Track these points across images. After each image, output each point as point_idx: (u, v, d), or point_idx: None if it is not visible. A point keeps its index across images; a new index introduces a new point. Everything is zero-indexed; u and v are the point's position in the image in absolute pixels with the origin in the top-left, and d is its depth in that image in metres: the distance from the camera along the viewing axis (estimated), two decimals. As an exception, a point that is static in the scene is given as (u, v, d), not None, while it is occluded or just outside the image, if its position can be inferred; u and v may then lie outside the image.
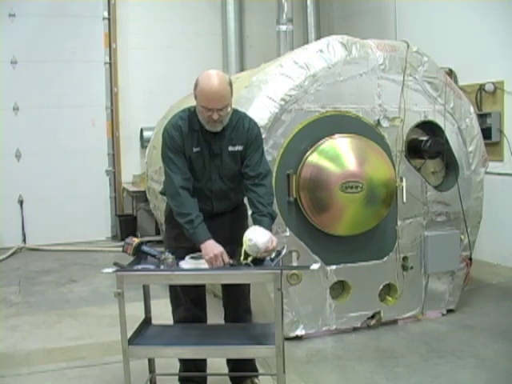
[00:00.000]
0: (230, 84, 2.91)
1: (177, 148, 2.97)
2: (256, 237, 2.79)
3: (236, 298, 3.24)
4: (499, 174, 5.92)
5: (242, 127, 3.04)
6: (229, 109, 2.92)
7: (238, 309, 3.25)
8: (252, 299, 3.32)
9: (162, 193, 3.21)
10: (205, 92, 2.84)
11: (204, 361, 3.27)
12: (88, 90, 8.21)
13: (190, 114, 3.02)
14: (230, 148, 3.00)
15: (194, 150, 2.98)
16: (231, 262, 2.83)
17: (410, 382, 3.55)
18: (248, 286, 3.25)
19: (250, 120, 3.11)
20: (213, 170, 3.02)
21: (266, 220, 2.94)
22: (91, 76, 8.22)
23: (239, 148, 3.02)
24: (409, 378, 3.59)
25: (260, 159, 3.07)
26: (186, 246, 2.99)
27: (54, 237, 7.86)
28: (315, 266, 2.92)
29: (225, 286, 3.25)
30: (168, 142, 3.00)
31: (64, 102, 8.03)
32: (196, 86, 2.90)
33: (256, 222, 2.94)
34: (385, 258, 4.40)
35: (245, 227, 3.20)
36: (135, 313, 3.10)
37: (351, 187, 4.06)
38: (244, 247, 2.80)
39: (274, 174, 4.01)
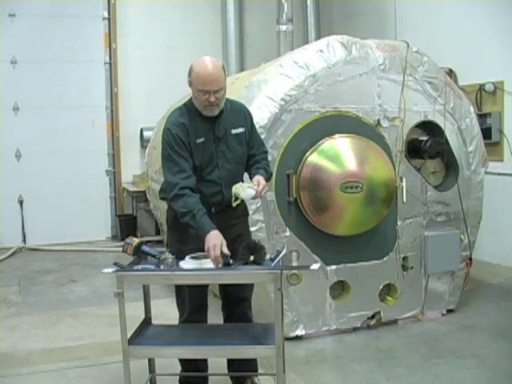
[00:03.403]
0: (224, 68, 3.01)
1: (181, 146, 2.97)
2: (244, 194, 2.95)
3: (235, 300, 3.23)
4: (499, 174, 5.92)
5: (237, 109, 3.17)
6: (224, 92, 2.99)
7: (237, 311, 3.23)
8: (252, 299, 3.31)
9: (162, 198, 3.19)
10: (201, 76, 2.90)
11: (205, 361, 3.26)
12: (88, 90, 8.21)
13: (188, 109, 3.07)
14: (234, 131, 3.09)
15: (198, 141, 3.00)
16: (227, 254, 2.81)
17: (410, 381, 3.55)
18: (248, 286, 3.23)
19: (239, 102, 3.27)
20: (219, 155, 3.05)
21: (261, 172, 3.10)
22: (91, 76, 8.22)
23: (241, 130, 3.11)
24: (409, 377, 3.59)
25: (260, 140, 3.31)
26: (191, 248, 2.99)
27: (54, 237, 7.86)
28: (315, 266, 2.93)
29: (223, 287, 3.25)
30: (172, 141, 2.98)
31: (64, 102, 8.03)
32: (191, 71, 2.96)
33: (252, 171, 3.13)
34: (385, 258, 4.40)
35: (247, 225, 3.23)
36: (135, 313, 3.10)
37: (351, 187, 4.06)
38: (234, 192, 2.96)
39: (274, 174, 4.00)
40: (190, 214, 2.88)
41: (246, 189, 2.94)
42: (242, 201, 3.12)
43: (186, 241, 3.06)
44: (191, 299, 3.17)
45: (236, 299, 3.24)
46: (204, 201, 2.95)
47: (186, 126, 2.99)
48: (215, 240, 2.79)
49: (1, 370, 3.81)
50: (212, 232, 2.83)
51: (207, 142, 3.02)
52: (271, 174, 3.29)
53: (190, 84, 2.97)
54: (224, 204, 3.07)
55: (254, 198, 2.98)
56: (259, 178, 3.02)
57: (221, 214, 3.08)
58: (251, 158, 3.19)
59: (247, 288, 3.22)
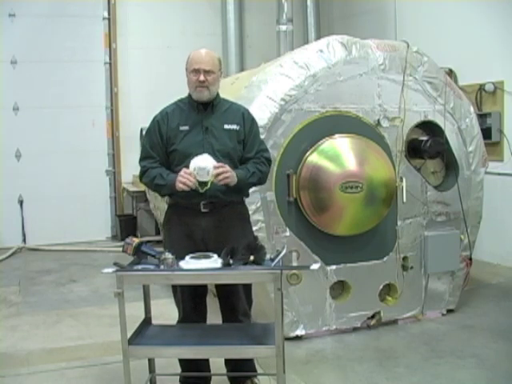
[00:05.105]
0: (220, 61, 3.16)
1: (156, 133, 3.18)
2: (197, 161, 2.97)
3: (232, 301, 3.22)
4: (499, 174, 5.92)
5: (235, 109, 3.24)
6: (216, 77, 3.10)
7: (235, 312, 3.23)
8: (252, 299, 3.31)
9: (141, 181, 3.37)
10: (193, 56, 3.11)
11: (206, 362, 3.26)
12: (88, 90, 8.21)
13: (180, 101, 3.26)
14: (226, 126, 3.15)
15: (181, 128, 3.14)
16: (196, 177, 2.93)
17: (410, 381, 3.55)
18: (245, 288, 3.22)
19: (242, 105, 3.32)
20: (206, 146, 3.10)
21: (239, 170, 3.08)
22: (91, 76, 8.22)
23: (235, 127, 3.16)
24: (409, 377, 3.59)
25: (263, 148, 3.26)
26: (186, 245, 3.02)
27: (54, 237, 7.85)
28: (315, 266, 2.93)
29: (219, 289, 3.24)
30: (151, 127, 3.22)
31: (64, 102, 8.03)
32: (187, 59, 3.14)
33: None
34: (385, 258, 4.40)
35: (245, 228, 3.22)
36: (135, 313, 3.10)
37: (351, 187, 4.06)
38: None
39: (274, 174, 4.02)
40: (157, 177, 3.12)
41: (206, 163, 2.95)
42: (233, 203, 3.13)
43: (182, 240, 3.07)
44: (184, 299, 3.19)
45: (230, 308, 3.24)
46: (190, 193, 3.01)
47: (169, 113, 3.19)
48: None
49: (1, 369, 3.81)
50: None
51: (193, 131, 3.12)
52: (260, 179, 3.20)
53: (186, 71, 3.13)
54: (210, 198, 3.07)
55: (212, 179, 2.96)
56: (225, 166, 2.99)
57: (209, 214, 3.09)
58: (247, 160, 3.17)
59: (241, 299, 3.20)
